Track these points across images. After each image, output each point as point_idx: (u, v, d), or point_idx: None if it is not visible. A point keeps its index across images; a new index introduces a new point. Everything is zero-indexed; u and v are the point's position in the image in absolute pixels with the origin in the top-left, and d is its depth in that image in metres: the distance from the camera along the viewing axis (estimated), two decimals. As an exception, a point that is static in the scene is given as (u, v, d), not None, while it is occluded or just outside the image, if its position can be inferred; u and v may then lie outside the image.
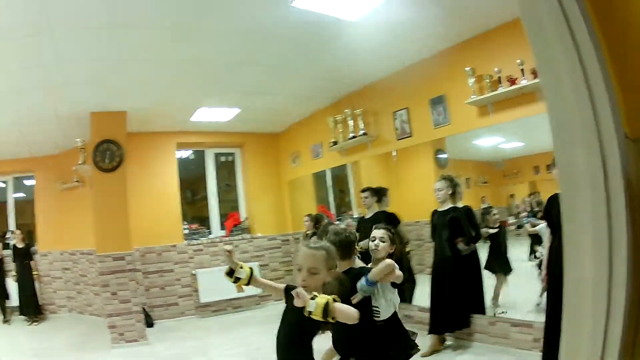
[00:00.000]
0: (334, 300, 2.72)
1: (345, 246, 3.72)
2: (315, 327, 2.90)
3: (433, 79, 7.11)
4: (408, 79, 7.55)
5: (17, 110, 8.07)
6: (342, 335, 3.65)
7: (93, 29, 5.49)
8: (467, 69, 6.30)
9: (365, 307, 3.51)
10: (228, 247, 3.23)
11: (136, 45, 6.09)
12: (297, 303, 2.68)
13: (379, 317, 3.83)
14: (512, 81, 5.82)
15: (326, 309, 2.64)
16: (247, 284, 3.23)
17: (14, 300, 11.20)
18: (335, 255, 3.19)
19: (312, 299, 2.67)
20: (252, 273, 3.25)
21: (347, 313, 2.77)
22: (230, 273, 3.23)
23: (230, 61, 6.91)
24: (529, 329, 5.67)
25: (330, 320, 2.69)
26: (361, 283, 3.50)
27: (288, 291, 3.09)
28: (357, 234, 4.34)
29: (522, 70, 5.66)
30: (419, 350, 4.11)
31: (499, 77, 6.01)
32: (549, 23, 1.39)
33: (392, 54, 6.98)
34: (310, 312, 2.64)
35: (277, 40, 6.26)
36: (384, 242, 4.14)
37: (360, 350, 3.64)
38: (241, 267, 3.22)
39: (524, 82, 5.65)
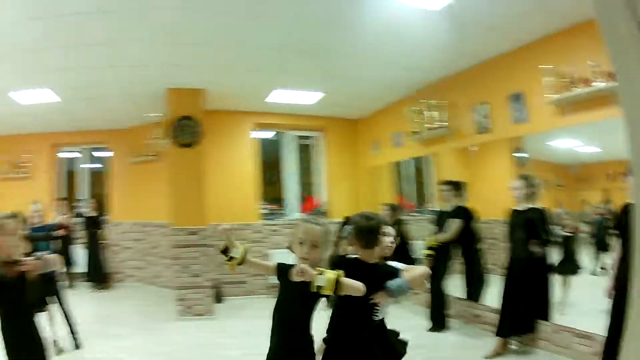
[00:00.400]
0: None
1: (371, 233, 3.30)
2: (316, 303, 3.03)
3: (513, 74, 6.95)
4: (489, 72, 7.42)
5: (96, 84, 8.34)
6: (342, 333, 3.35)
7: (174, 9, 5.62)
8: (544, 66, 6.14)
9: (371, 305, 3.30)
10: (227, 226, 3.24)
11: (216, 27, 6.21)
12: (303, 278, 2.73)
13: (377, 316, 3.61)
14: (587, 83, 5.63)
15: (337, 284, 2.73)
16: (240, 264, 3.25)
17: (79, 267, 11.54)
18: (331, 234, 3.20)
19: (320, 274, 2.73)
20: (245, 254, 3.25)
21: (355, 287, 2.86)
22: (225, 251, 3.24)
23: (315, 46, 6.95)
24: (590, 341, 5.53)
25: (339, 294, 2.79)
26: (400, 285, 3.20)
27: (281, 268, 3.19)
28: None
29: (595, 72, 5.47)
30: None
31: (575, 78, 5.82)
32: (625, 31, 1.36)
33: (474, 46, 6.89)
34: (319, 287, 2.72)
35: (361, 27, 6.22)
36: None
37: (363, 348, 3.32)
38: (236, 247, 3.24)
39: (597, 85, 5.46)
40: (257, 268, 3.42)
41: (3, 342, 3.55)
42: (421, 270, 3.48)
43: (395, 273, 3.25)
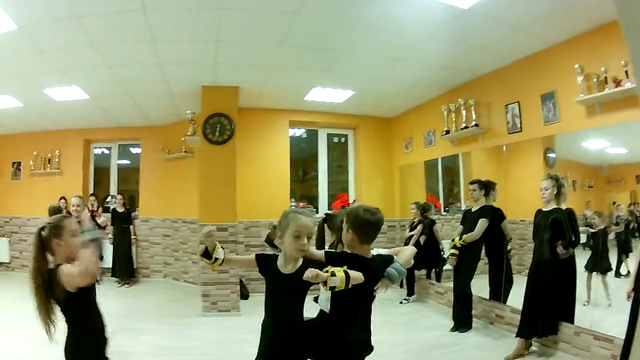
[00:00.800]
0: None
1: (374, 228, 3.26)
2: (305, 292, 3.13)
3: (545, 74, 6.88)
4: (521, 72, 7.37)
5: (130, 81, 8.44)
6: (359, 324, 3.29)
7: (210, 9, 5.72)
8: (576, 66, 6.07)
9: (372, 296, 3.29)
10: (212, 229, 3.27)
11: (254, 26, 6.26)
12: (317, 281, 2.77)
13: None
14: (618, 82, 5.56)
15: (347, 280, 2.83)
16: (221, 264, 3.34)
17: (106, 262, 11.63)
18: None
19: (332, 275, 2.80)
20: (225, 254, 3.35)
21: (357, 277, 2.93)
22: (206, 254, 3.30)
23: (347, 46, 6.98)
24: (609, 344, 5.44)
25: (349, 288, 2.85)
26: (401, 269, 3.24)
27: (262, 263, 3.29)
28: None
29: (626, 72, 5.41)
30: None
31: (605, 77, 5.75)
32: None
33: (505, 45, 6.84)
34: (333, 287, 2.81)
35: (393, 27, 6.23)
36: None
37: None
38: (219, 249, 3.31)
39: (628, 85, 5.39)
40: (237, 264, 3.66)
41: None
42: (410, 250, 3.54)
43: (390, 261, 3.28)
